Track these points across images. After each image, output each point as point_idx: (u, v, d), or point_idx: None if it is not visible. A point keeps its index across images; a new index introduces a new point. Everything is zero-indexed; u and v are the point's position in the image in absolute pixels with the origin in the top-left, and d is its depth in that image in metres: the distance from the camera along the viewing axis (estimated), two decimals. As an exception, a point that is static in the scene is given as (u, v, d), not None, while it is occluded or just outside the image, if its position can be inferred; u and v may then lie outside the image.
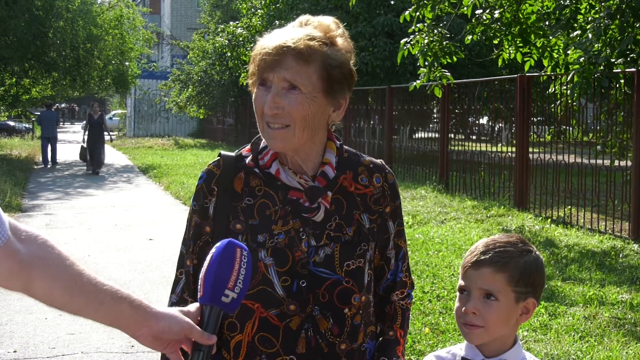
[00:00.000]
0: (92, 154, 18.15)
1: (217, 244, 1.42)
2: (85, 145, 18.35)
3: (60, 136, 25.95)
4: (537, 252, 1.74)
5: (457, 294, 1.73)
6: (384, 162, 1.83)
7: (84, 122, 19.05)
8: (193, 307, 1.41)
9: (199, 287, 1.40)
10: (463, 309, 1.68)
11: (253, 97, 1.65)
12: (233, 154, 1.75)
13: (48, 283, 1.28)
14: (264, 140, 1.71)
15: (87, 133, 18.35)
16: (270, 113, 1.59)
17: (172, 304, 1.72)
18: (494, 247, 1.69)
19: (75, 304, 1.31)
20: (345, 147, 1.78)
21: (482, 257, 1.68)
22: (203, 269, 1.40)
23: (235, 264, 1.39)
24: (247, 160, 1.72)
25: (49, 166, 20.31)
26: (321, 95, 1.61)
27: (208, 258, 1.40)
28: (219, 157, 1.74)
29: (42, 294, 1.30)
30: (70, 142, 29.31)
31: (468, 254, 1.73)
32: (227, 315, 1.66)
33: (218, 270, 1.38)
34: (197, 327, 1.37)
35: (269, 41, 1.62)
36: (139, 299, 1.34)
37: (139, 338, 1.35)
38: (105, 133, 18.91)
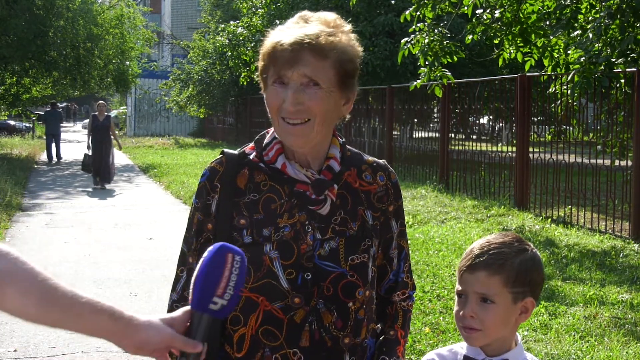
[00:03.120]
0: (99, 165, 14.68)
1: (210, 248, 1.39)
2: (90, 153, 14.84)
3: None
4: (534, 250, 1.71)
5: (455, 297, 1.73)
6: (386, 162, 1.83)
7: (88, 121, 15.63)
8: (181, 311, 1.40)
9: (190, 291, 1.38)
10: (461, 312, 1.68)
11: (267, 94, 1.64)
12: (236, 151, 1.75)
13: (20, 298, 1.30)
14: (268, 136, 1.71)
15: (91, 139, 14.83)
16: (292, 109, 1.59)
17: (172, 301, 1.73)
18: (488, 250, 1.67)
19: (50, 318, 1.32)
20: (348, 146, 1.78)
21: (477, 261, 1.66)
22: (194, 273, 1.37)
23: (225, 270, 1.34)
24: (252, 156, 1.72)
25: (53, 162, 21.25)
26: (337, 90, 1.62)
27: (199, 262, 1.38)
28: (221, 155, 1.74)
29: (14, 308, 1.31)
30: (71, 141, 29.24)
31: (463, 257, 1.72)
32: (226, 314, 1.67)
33: (206, 277, 1.34)
34: (180, 336, 1.36)
35: (283, 37, 1.59)
36: (120, 311, 1.35)
37: (124, 347, 1.37)
38: (113, 138, 15.04)
